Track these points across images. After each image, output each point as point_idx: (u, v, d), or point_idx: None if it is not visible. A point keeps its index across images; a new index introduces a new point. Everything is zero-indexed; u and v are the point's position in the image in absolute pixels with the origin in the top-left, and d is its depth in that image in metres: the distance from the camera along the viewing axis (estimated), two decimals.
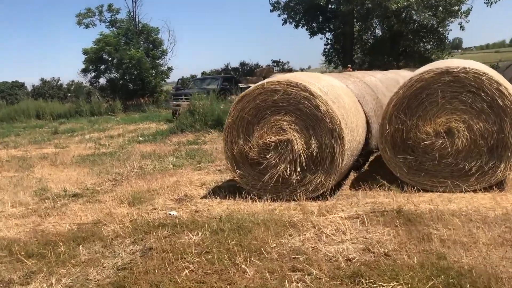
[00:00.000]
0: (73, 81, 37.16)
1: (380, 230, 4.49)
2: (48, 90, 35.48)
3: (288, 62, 33.17)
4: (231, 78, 23.30)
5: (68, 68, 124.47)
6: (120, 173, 8.56)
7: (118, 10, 32.11)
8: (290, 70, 30.70)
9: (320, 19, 37.66)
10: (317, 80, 6.00)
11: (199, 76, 33.06)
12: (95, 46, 30.37)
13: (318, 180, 5.61)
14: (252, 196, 5.96)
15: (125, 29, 31.96)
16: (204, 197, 6.40)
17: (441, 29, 36.62)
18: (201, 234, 4.76)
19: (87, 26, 31.82)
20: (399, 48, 37.93)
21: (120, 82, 32.30)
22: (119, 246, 4.66)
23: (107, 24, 32.29)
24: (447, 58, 37.68)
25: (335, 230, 4.60)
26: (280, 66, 33.10)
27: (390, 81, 10.71)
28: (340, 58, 39.05)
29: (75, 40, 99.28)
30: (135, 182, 7.63)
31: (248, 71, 31.64)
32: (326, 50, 40.54)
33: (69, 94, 36.45)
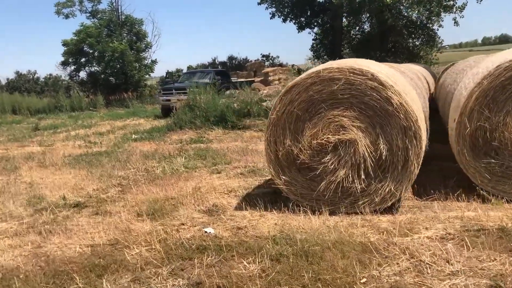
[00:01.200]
0: (50, 74, 35.37)
1: (493, 257, 3.52)
2: (24, 84, 33.53)
3: (278, 57, 32.10)
4: (223, 72, 22.14)
5: (45, 61, 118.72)
6: (125, 177, 7.40)
7: (99, 0, 30.51)
8: (281, 65, 29.70)
9: (309, 13, 36.69)
10: (380, 67, 4.98)
11: (185, 70, 31.69)
12: (75, 38, 28.73)
13: (387, 189, 4.61)
14: (302, 208, 4.92)
15: (107, 20, 30.34)
16: (238, 208, 5.33)
17: (430, 25, 36.25)
18: (259, 262, 3.70)
19: (66, 16, 30.17)
20: (388, 44, 37.41)
21: (102, 76, 30.71)
22: (155, 280, 3.57)
23: (88, 14, 30.62)
24: (435, 55, 37.56)
25: (434, 257, 3.60)
26: (270, 61, 32.05)
27: (415, 73, 9.81)
28: (328, 53, 38.28)
29: (53, 31, 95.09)
30: (147, 188, 6.50)
31: (236, 66, 30.53)
32: (314, 45, 39.74)
33: (46, 88, 34.56)
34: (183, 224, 4.88)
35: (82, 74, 31.56)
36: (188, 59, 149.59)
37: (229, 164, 7.83)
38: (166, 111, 19.67)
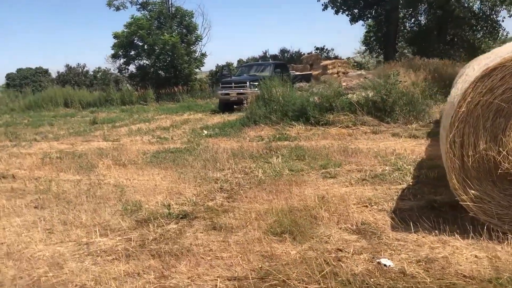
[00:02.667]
0: (99, 68, 35.13)
1: None
2: (74, 77, 33.40)
3: (333, 49, 30.66)
4: (283, 65, 20.97)
5: (94, 54, 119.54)
6: (223, 179, 6.36)
7: None
8: (336, 58, 28.34)
9: (362, 4, 35.03)
10: None
11: (235, 64, 30.73)
12: (126, 30, 28.18)
13: None
14: (499, 233, 3.70)
15: (158, 12, 29.71)
16: (397, 228, 4.16)
17: (494, 16, 33.95)
18: None
19: (117, 8, 29.70)
20: (447, 37, 35.28)
21: (151, 69, 30.12)
22: None
23: (139, 6, 30.07)
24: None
25: None
26: (325, 54, 30.66)
27: None
28: (382, 46, 36.49)
29: (101, 24, 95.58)
30: (258, 195, 5.44)
31: (289, 58, 29.30)
32: (368, 38, 38.01)
33: (95, 82, 34.36)
34: (340, 250, 3.76)
35: (131, 68, 31.16)
36: (237, 53, 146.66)
37: (339, 167, 6.66)
38: (225, 106, 18.75)
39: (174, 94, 27.67)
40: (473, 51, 33.37)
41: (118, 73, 32.52)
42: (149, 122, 16.18)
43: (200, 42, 30.84)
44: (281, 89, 11.68)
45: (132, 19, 28.40)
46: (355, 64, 31.47)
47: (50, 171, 7.71)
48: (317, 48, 31.37)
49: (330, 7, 33.98)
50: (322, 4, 33.82)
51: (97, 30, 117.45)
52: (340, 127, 10.43)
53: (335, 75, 23.14)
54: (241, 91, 18.00)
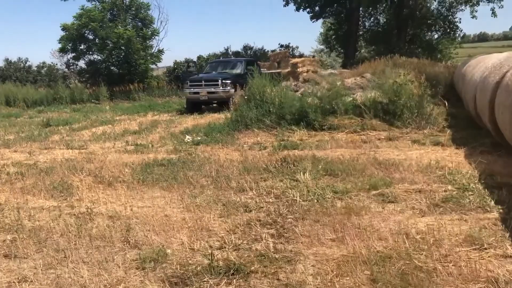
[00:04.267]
0: (44, 62, 32.12)
1: None
2: (15, 72, 30.34)
3: (298, 47, 29.60)
4: (255, 62, 19.60)
5: (37, 48, 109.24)
6: (254, 205, 4.96)
7: None
8: (301, 56, 27.34)
9: (323, 2, 34.33)
10: None
11: (195, 60, 28.98)
12: (76, 22, 25.79)
13: None
14: None
15: (111, 3, 27.43)
16: None
17: (450, 17, 34.30)
18: None
19: None
20: (406, 37, 35.30)
21: (103, 65, 27.84)
22: None
23: None
24: (455, 50, 35.62)
25: None
26: (290, 52, 29.54)
27: None
28: (342, 45, 35.94)
29: (45, 14, 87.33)
30: (317, 232, 4.11)
31: (253, 56, 27.96)
32: (328, 36, 37.38)
33: (40, 78, 31.43)
34: None
35: (81, 63, 28.72)
36: (196, 49, 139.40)
37: (390, 186, 5.44)
38: (193, 106, 17.18)
39: (129, 92, 25.67)
40: (432, 51, 33.70)
41: (66, 69, 29.98)
42: (111, 124, 14.39)
43: (157, 37, 28.90)
44: (276, 89, 10.34)
45: (83, 10, 26.06)
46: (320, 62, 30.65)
47: (12, 194, 5.97)
48: (281, 46, 30.31)
49: (292, 3, 33.09)
50: (284, 0, 32.91)
51: (41, 21, 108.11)
52: (347, 132, 9.27)
53: (305, 73, 22.08)
54: (212, 89, 16.52)
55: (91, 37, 26.90)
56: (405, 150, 7.60)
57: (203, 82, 16.81)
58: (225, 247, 3.89)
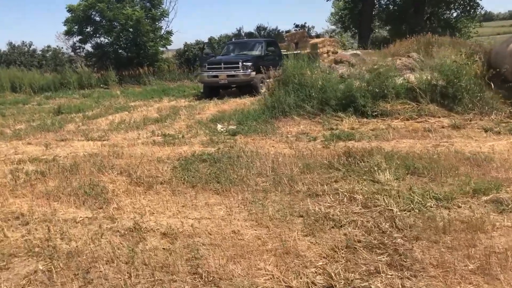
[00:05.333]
0: (49, 46, 30.87)
1: None
2: (19, 57, 29.17)
3: (314, 27, 28.29)
4: (275, 43, 18.42)
5: (40, 31, 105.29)
6: (341, 217, 3.94)
7: None
8: (318, 36, 26.10)
9: None
10: None
11: (206, 41, 27.69)
12: (83, 3, 24.52)
13: None
14: None
15: None
16: None
17: None
18: None
19: None
20: (424, 16, 33.86)
21: (111, 48, 26.65)
22: None
23: None
24: (474, 28, 34.07)
25: None
26: (306, 31, 28.23)
27: None
28: (357, 25, 34.52)
29: None
30: (445, 260, 3.11)
31: (266, 36, 26.69)
32: (343, 15, 35.96)
33: (44, 62, 30.25)
34: None
35: (87, 46, 27.53)
36: (208, 30, 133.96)
37: (500, 189, 4.41)
38: (210, 90, 16.10)
39: (139, 76, 24.58)
40: (451, 30, 32.09)
41: (72, 53, 28.76)
42: (127, 111, 13.36)
43: (166, 18, 27.61)
44: (317, 71, 9.24)
45: None
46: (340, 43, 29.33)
47: (35, 201, 4.97)
48: (296, 26, 28.95)
49: None
50: None
51: (44, 2, 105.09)
52: (402, 119, 8.21)
53: (325, 54, 20.95)
54: (232, 73, 15.39)
55: (98, 18, 25.67)
56: (482, 141, 6.55)
57: (222, 65, 15.68)
58: (335, 286, 2.88)
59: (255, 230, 3.82)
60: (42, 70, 28.28)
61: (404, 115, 8.31)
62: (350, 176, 5.11)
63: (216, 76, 15.69)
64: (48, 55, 30.41)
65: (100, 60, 26.71)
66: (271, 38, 21.48)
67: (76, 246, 3.66)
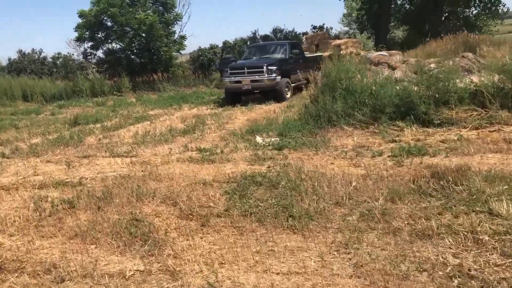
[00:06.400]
0: (59, 53, 30.09)
1: None
2: (29, 65, 28.41)
3: (332, 28, 27.26)
4: (298, 45, 17.43)
5: (50, 38, 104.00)
6: (489, 278, 2.94)
7: None
8: (336, 38, 25.11)
9: None
10: None
11: (221, 46, 26.77)
12: (94, 8, 23.72)
13: None
14: None
15: None
16: None
17: None
18: None
19: None
20: (443, 14, 32.76)
21: (123, 54, 25.80)
22: None
23: None
24: (495, 27, 32.82)
25: None
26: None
27: None
28: (374, 25, 33.43)
29: (58, 1, 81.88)
30: None
31: (283, 39, 25.73)
32: (359, 16, 34.90)
33: (56, 70, 29.43)
34: None
35: (99, 53, 26.70)
36: (222, 34, 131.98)
37: None
38: (233, 96, 15.15)
39: (153, 82, 23.73)
40: (471, 29, 30.83)
41: (83, 59, 27.92)
42: (148, 120, 12.45)
43: (179, 22, 26.75)
44: (369, 76, 8.25)
45: None
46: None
47: (67, 244, 4.01)
48: (314, 27, 27.93)
49: None
50: None
51: (54, 9, 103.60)
52: (471, 128, 7.19)
53: (348, 56, 19.91)
54: (257, 78, 14.43)
55: (109, 24, 24.85)
56: None
57: (245, 70, 14.72)
58: None
59: None
60: (53, 77, 27.51)
61: (472, 123, 7.29)
62: (455, 206, 4.11)
63: (239, 82, 14.75)
64: (58, 62, 29.60)
65: (112, 67, 25.88)
66: (294, 40, 20.55)
67: None
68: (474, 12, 32.87)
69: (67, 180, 6.20)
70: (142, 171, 6.41)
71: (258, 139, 8.14)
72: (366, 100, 7.80)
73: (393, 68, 11.02)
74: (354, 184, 4.94)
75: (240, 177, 5.63)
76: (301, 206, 4.36)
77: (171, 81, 23.99)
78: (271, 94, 14.56)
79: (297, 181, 5.17)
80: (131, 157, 7.69)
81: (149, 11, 24.92)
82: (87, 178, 6.30)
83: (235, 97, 15.23)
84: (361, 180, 5.07)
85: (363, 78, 8.23)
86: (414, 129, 7.33)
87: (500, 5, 31.71)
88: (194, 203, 4.73)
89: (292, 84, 15.32)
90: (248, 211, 4.37)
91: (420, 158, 5.87)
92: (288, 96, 14.95)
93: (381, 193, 4.56)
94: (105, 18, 24.28)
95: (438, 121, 7.46)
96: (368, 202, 4.39)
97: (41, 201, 5.25)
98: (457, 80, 8.04)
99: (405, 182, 4.86)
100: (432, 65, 8.36)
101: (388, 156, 6.16)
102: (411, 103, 7.57)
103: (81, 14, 24.02)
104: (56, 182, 6.07)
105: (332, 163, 6.08)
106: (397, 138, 7.04)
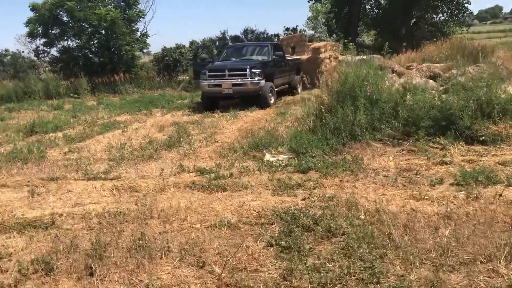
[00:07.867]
0: (6, 50, 27.37)
1: None
2: None
3: (305, 30, 26.17)
4: (279, 47, 16.13)
5: None
6: None
7: None
8: (311, 40, 24.01)
9: None
10: None
11: (187, 46, 25.05)
12: (49, 1, 21.52)
13: None
14: None
15: None
16: None
17: None
18: None
19: None
20: (411, 20, 32.56)
21: (80, 52, 23.60)
22: None
23: None
24: (461, 33, 32.96)
25: None
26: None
27: None
28: (343, 29, 32.73)
29: None
30: None
31: (255, 40, 24.41)
32: (329, 19, 34.10)
33: (2, 68, 26.75)
34: None
35: (53, 51, 24.35)
36: (189, 33, 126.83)
37: None
38: (212, 102, 13.66)
39: (114, 84, 21.86)
40: (441, 35, 30.54)
41: (35, 57, 25.43)
42: (118, 129, 10.79)
43: (143, 19, 24.84)
44: (399, 83, 7.02)
45: None
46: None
47: None
48: (287, 29, 26.74)
49: None
50: None
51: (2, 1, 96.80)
52: None
53: (327, 60, 18.85)
54: (239, 81, 13.02)
55: (66, 19, 22.67)
56: None
57: (226, 72, 13.25)
58: None
59: None
60: (0, 77, 24.92)
61: None
62: None
63: (219, 85, 13.27)
64: (6, 60, 26.91)
65: (68, 66, 23.63)
66: (274, 42, 19.19)
67: None
68: (442, 18, 32.85)
69: (34, 220, 4.54)
70: (135, 204, 4.85)
71: (268, 156, 6.73)
72: (400, 112, 6.53)
73: (398, 73, 9.91)
74: (443, 230, 3.64)
75: (274, 215, 4.20)
76: (394, 271, 2.99)
77: (133, 83, 22.20)
78: (253, 99, 13.21)
79: (365, 225, 3.80)
80: (112, 179, 6.10)
81: (110, 7, 22.94)
82: (61, 215, 4.67)
83: (213, 102, 13.75)
84: (445, 223, 3.78)
85: (392, 87, 6.98)
86: (460, 147, 6.14)
87: (467, 12, 31.91)
88: (231, 264, 3.27)
89: (276, 89, 14.03)
90: (321, 282, 2.96)
91: (494, 188, 4.66)
92: (272, 101, 13.64)
93: (496, 246, 3.27)
94: (61, 12, 22.17)
95: (483, 138, 6.32)
96: (482, 262, 3.10)
97: (3, 260, 3.61)
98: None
99: (499, 225, 3.61)
100: (470, 70, 7.24)
101: (451, 185, 4.92)
102: (452, 116, 6.39)
103: (34, 7, 21.74)
104: (20, 224, 4.41)
105: (383, 194, 4.77)
106: (446, 159, 5.82)
